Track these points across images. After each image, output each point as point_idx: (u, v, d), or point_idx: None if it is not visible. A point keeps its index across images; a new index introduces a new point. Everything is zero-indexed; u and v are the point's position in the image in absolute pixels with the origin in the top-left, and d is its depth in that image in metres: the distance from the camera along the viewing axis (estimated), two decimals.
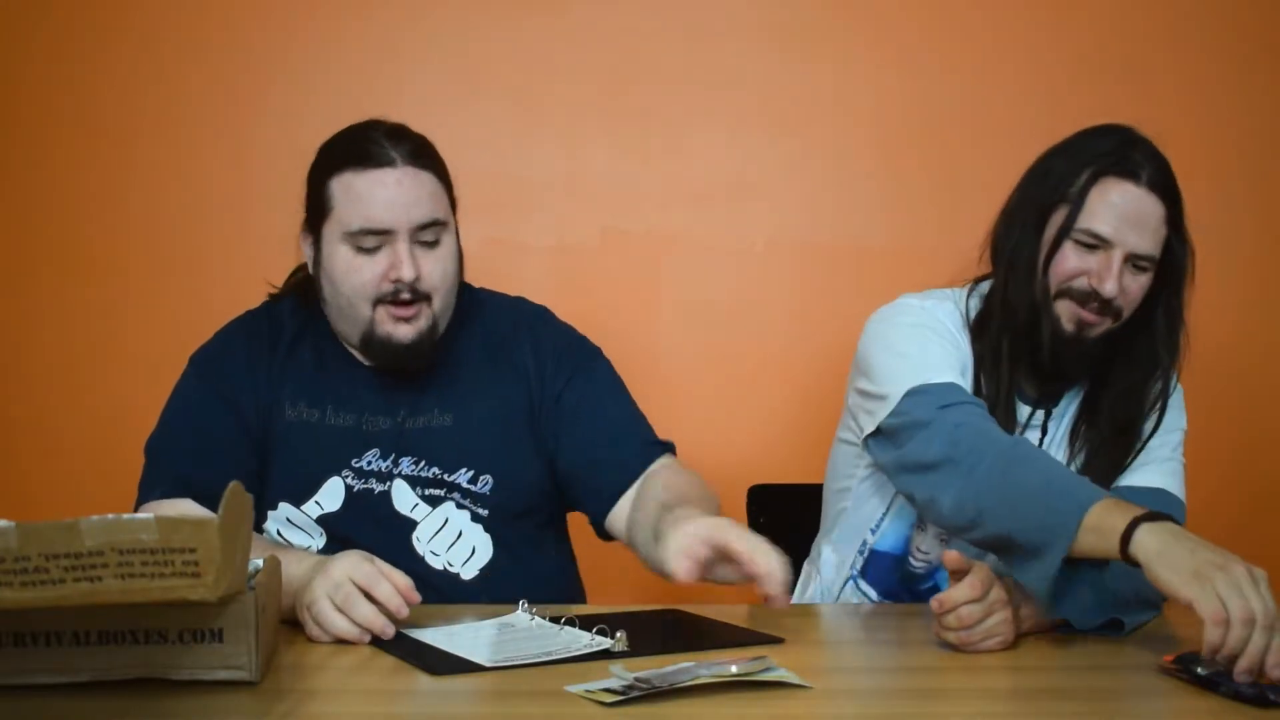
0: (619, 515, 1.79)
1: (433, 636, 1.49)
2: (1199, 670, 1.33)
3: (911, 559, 1.82)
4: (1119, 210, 1.70)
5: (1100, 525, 1.47)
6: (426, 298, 1.76)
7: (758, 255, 2.58)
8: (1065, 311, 1.73)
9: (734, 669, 1.30)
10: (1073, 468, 1.80)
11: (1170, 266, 1.75)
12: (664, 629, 1.60)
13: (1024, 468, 1.58)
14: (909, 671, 1.46)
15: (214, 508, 1.65)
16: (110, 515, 1.13)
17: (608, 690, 1.26)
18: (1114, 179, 1.71)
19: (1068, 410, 1.85)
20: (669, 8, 2.57)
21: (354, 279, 1.75)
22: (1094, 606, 1.58)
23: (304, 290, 1.87)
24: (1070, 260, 1.72)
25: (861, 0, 2.58)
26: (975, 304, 1.84)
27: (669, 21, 2.57)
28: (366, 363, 1.82)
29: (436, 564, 1.77)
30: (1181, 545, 1.41)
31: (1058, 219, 1.73)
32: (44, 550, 1.13)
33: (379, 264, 1.74)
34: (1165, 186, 1.72)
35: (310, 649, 1.46)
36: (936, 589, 1.80)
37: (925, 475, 1.65)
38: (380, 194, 1.73)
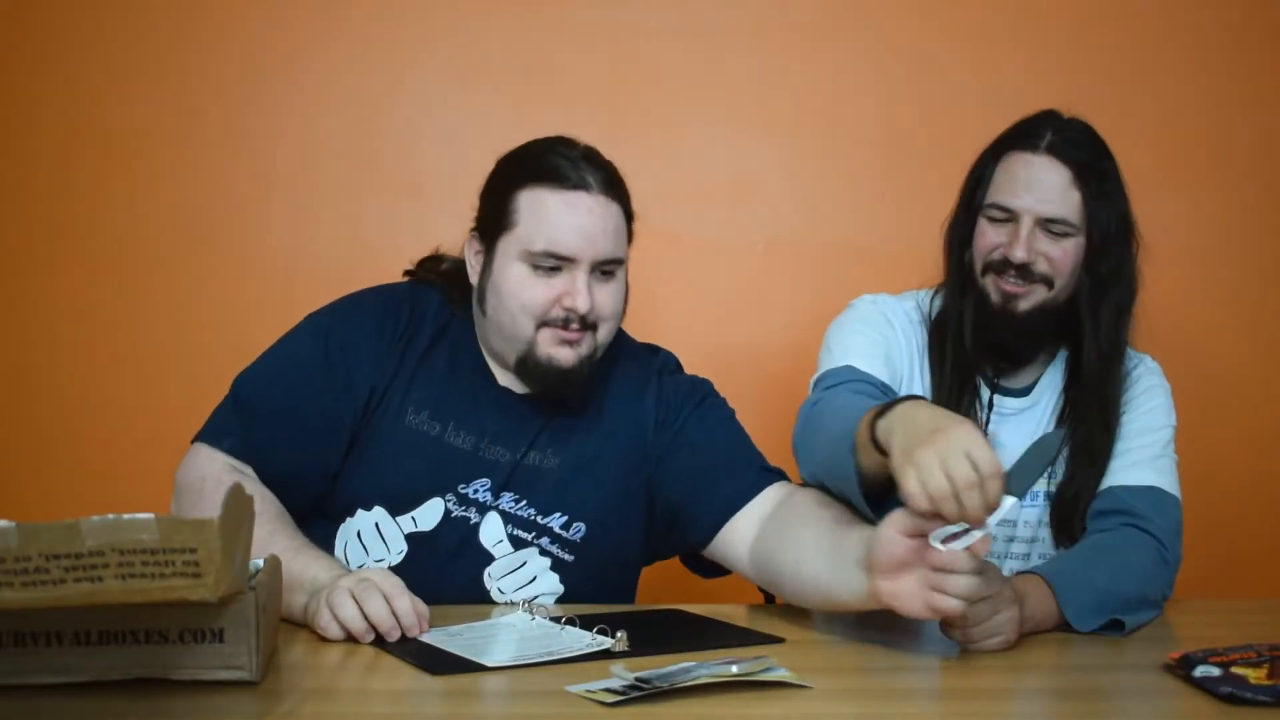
0: (731, 540, 1.71)
1: (433, 637, 1.49)
2: (1199, 670, 1.33)
3: None
4: (1019, 179, 1.77)
5: (860, 439, 1.48)
6: (593, 327, 1.72)
7: (758, 255, 2.58)
8: (991, 285, 1.79)
9: (734, 669, 1.30)
10: (1064, 452, 1.81)
11: (1096, 229, 1.77)
12: (664, 629, 1.60)
13: (825, 424, 1.61)
14: (909, 671, 1.46)
15: (274, 486, 1.66)
16: (110, 515, 1.13)
17: (608, 690, 1.26)
18: (1015, 152, 1.79)
19: (1044, 396, 1.86)
20: (669, 8, 2.57)
21: (525, 296, 1.70)
22: (1094, 607, 1.58)
23: (452, 288, 1.82)
24: (986, 235, 1.80)
25: (861, 1, 2.58)
26: (939, 302, 1.89)
27: (669, 21, 2.57)
28: (500, 383, 1.78)
29: (499, 600, 1.74)
30: (911, 422, 1.40)
31: (975, 202, 1.82)
32: (44, 550, 1.12)
33: (554, 288, 1.70)
34: (1070, 151, 1.76)
35: (310, 649, 1.46)
36: None
37: (797, 456, 1.71)
38: (570, 220, 1.69)
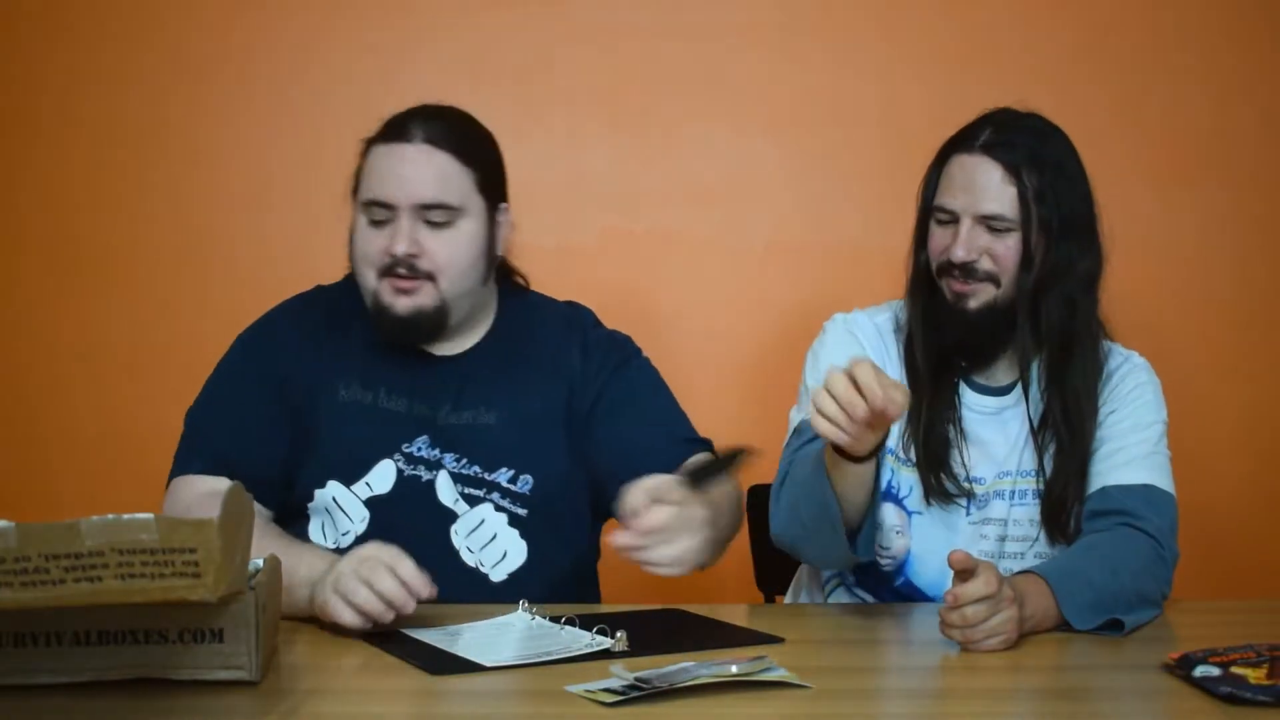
0: None
1: (433, 636, 1.49)
2: (1199, 670, 1.33)
3: (878, 559, 1.83)
4: (957, 180, 1.80)
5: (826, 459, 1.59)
6: (429, 276, 1.76)
7: (758, 255, 2.58)
8: (945, 287, 1.81)
9: (734, 669, 1.30)
10: (1042, 459, 1.82)
11: (1031, 224, 1.77)
12: (664, 629, 1.60)
13: (794, 473, 1.70)
14: (909, 671, 1.46)
15: (249, 487, 1.68)
16: (110, 515, 1.13)
17: (608, 690, 1.26)
18: (956, 154, 1.82)
19: (1022, 395, 1.86)
20: (669, 8, 2.57)
21: (362, 248, 1.78)
22: (1093, 605, 1.58)
23: None
24: (934, 238, 1.82)
25: (861, 0, 2.58)
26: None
27: (669, 21, 2.57)
28: (418, 348, 1.83)
29: (469, 560, 1.77)
30: None
31: (923, 206, 1.85)
32: (44, 550, 1.12)
33: (384, 237, 1.76)
34: (1004, 147, 1.77)
35: (310, 649, 1.46)
36: (909, 583, 1.83)
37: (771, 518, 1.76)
38: (389, 167, 1.76)
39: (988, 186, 1.77)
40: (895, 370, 1.86)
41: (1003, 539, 1.84)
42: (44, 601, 1.14)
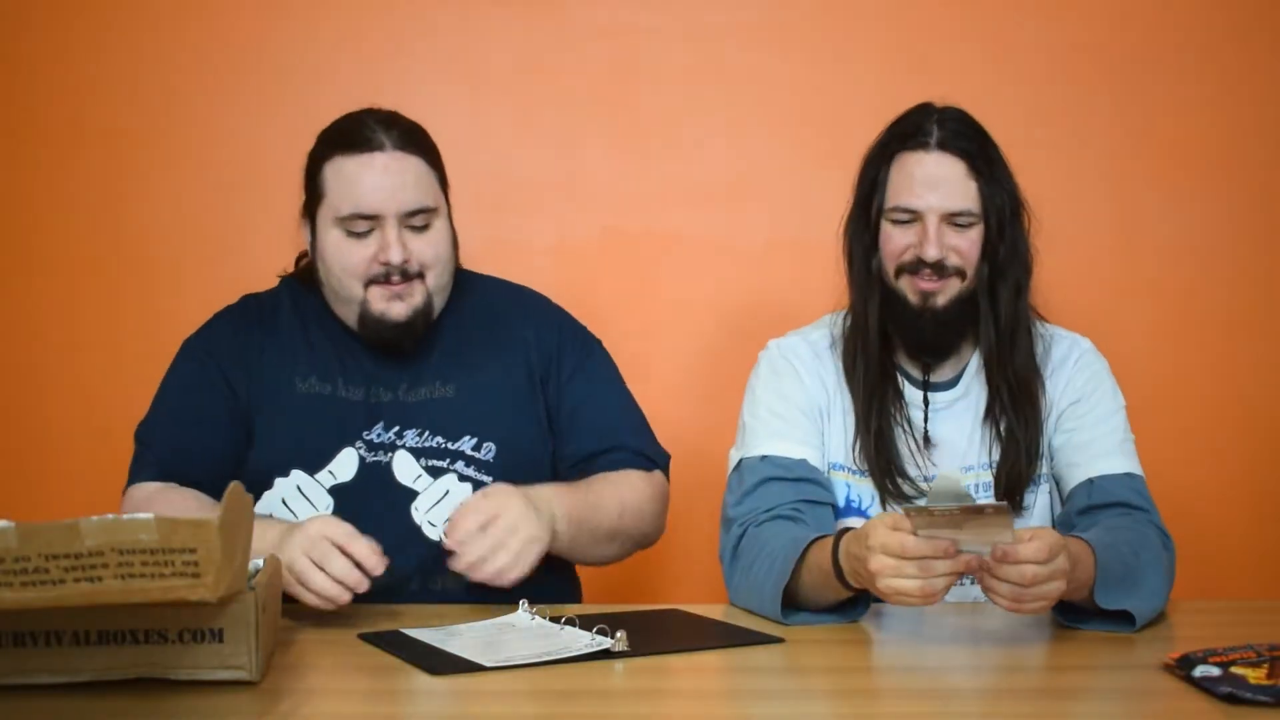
0: None
1: (432, 636, 1.49)
2: (1199, 670, 1.33)
3: None
4: (917, 179, 1.79)
5: (821, 572, 1.59)
6: (419, 275, 1.80)
7: (758, 255, 2.58)
8: (908, 286, 1.80)
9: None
10: (994, 448, 1.83)
11: (992, 213, 1.80)
12: (664, 628, 1.60)
13: (756, 572, 1.68)
14: (909, 671, 1.46)
15: (201, 488, 1.74)
16: (110, 515, 1.13)
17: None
18: (907, 152, 1.81)
19: (973, 384, 1.86)
20: (669, 8, 2.57)
21: (345, 261, 1.79)
22: (1121, 586, 1.57)
23: (307, 272, 1.92)
24: (893, 239, 1.81)
25: (861, 0, 2.58)
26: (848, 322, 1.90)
27: (669, 21, 2.57)
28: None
29: (433, 534, 1.78)
30: (849, 558, 1.52)
31: (875, 207, 1.83)
32: (44, 550, 1.13)
33: (369, 247, 1.78)
34: (959, 143, 1.79)
35: (310, 649, 1.46)
36: None
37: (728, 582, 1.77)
38: (368, 179, 1.78)
39: (952, 183, 1.78)
40: (839, 385, 1.86)
41: None
42: (44, 601, 1.14)
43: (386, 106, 1.89)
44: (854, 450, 1.83)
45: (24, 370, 2.55)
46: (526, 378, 1.89)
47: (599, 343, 1.99)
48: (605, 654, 1.41)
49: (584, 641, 1.45)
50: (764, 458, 1.82)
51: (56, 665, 1.25)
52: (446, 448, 1.82)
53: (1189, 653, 1.37)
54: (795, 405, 1.85)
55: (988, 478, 1.83)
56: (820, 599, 1.62)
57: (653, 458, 1.92)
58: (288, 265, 1.98)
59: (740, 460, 1.84)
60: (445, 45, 2.56)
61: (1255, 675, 1.30)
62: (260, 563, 1.38)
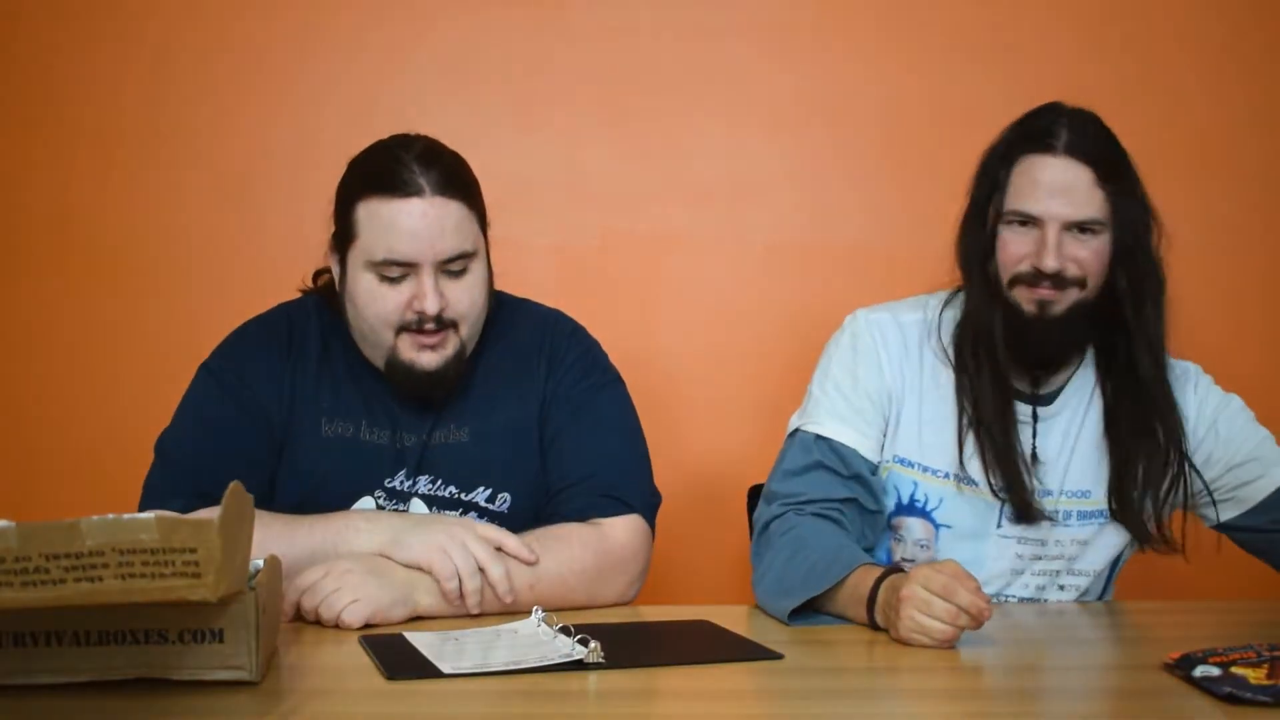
0: None
1: (430, 639, 1.48)
2: (1199, 670, 1.33)
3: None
4: (1040, 184, 1.70)
5: (854, 596, 1.59)
6: (453, 325, 1.72)
7: (758, 255, 2.58)
8: (1023, 296, 1.73)
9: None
10: (1104, 462, 1.80)
11: (1124, 225, 1.72)
12: (667, 641, 1.55)
13: (794, 564, 1.66)
14: (909, 671, 1.46)
15: None
16: (110, 515, 1.13)
17: None
18: (1032, 155, 1.71)
19: (1071, 400, 1.82)
20: (669, 8, 2.57)
21: (377, 306, 1.71)
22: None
23: (330, 295, 1.83)
24: (1010, 246, 1.73)
25: (861, 0, 2.58)
26: (952, 314, 1.83)
27: (669, 21, 2.57)
28: None
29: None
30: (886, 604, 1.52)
31: (993, 210, 1.74)
32: (44, 550, 1.12)
33: (403, 294, 1.70)
34: (1087, 149, 1.70)
35: (310, 649, 1.46)
36: None
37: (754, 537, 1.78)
38: (405, 225, 1.67)
39: (1078, 190, 1.69)
40: (920, 382, 1.80)
41: (1037, 557, 1.81)
42: (44, 601, 1.14)
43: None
44: (960, 459, 1.76)
45: (24, 370, 2.55)
46: (537, 414, 1.81)
47: (616, 380, 1.87)
48: (579, 665, 1.36)
49: (560, 651, 1.39)
50: (819, 438, 1.78)
51: (56, 665, 1.25)
52: (460, 498, 1.76)
53: (1189, 653, 1.37)
54: (865, 391, 1.80)
55: (1068, 507, 1.80)
56: (835, 612, 1.62)
57: (626, 499, 1.76)
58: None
59: (796, 431, 1.79)
60: (446, 45, 2.56)
61: (1256, 675, 1.30)
62: (260, 563, 1.37)
